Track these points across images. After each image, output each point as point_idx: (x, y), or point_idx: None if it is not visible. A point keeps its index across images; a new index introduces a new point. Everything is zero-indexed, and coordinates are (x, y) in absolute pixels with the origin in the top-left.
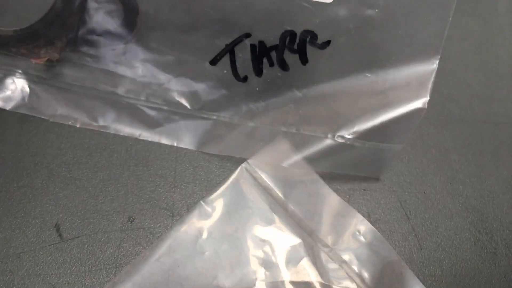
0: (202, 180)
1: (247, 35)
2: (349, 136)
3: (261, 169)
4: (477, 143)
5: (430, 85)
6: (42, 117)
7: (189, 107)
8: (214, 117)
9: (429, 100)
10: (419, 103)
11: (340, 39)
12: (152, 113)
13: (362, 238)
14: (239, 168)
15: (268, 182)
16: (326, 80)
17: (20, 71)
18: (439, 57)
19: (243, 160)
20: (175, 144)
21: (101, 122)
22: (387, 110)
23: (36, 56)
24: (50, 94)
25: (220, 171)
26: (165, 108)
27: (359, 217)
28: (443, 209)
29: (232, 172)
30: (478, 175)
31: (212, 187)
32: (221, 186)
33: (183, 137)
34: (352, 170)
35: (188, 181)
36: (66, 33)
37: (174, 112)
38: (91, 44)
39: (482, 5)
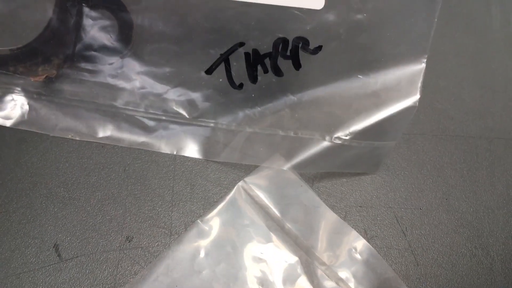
0: (200, 199)
1: (241, 44)
2: (346, 137)
3: (257, 187)
4: (472, 159)
5: (420, 84)
6: (42, 132)
7: (187, 116)
8: (212, 125)
9: (424, 116)
10: (411, 101)
11: (331, 43)
12: (151, 123)
13: (358, 256)
14: (236, 186)
15: (265, 200)
16: (319, 84)
17: (19, 88)
18: (426, 56)
19: (240, 178)
20: (175, 153)
21: (101, 135)
22: (380, 109)
23: (34, 73)
24: (49, 110)
25: (218, 190)
26: (164, 118)
27: (355, 234)
28: (439, 225)
29: (229, 190)
30: (473, 191)
31: (209, 205)
32: (218, 205)
33: (183, 146)
34: (349, 168)
35: (185, 199)
36: (63, 50)
37: (173, 121)
38: (88, 59)
39: (476, 21)
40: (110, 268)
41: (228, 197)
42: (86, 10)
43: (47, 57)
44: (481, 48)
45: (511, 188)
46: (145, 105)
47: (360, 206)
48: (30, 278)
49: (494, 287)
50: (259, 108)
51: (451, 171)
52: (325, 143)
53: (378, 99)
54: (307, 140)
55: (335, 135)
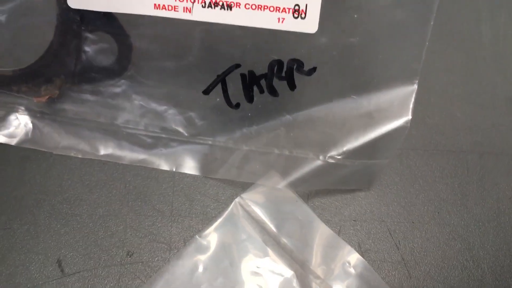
0: (198, 214)
1: (237, 66)
2: (339, 157)
3: (254, 203)
4: (463, 173)
5: (411, 105)
6: (46, 150)
7: (185, 134)
8: (210, 142)
9: (416, 132)
10: (402, 121)
11: (325, 65)
12: (150, 141)
13: (352, 270)
14: (233, 202)
15: (261, 216)
16: (314, 104)
17: (22, 108)
18: (418, 78)
19: (237, 194)
20: (174, 169)
21: (102, 152)
22: (373, 129)
23: (37, 94)
24: (52, 128)
25: (216, 205)
26: (163, 136)
27: (349, 248)
28: (431, 238)
29: (227, 206)
30: (464, 205)
31: (207, 220)
32: (216, 220)
33: (181, 162)
34: (342, 185)
35: (184, 215)
36: (64, 71)
37: (172, 139)
38: (89, 80)
39: (466, 37)
40: (111, 283)
41: (225, 213)
42: (86, 33)
43: (49, 78)
44: (471, 65)
45: (501, 201)
46: (145, 124)
47: (354, 220)
48: None
49: None
50: (255, 127)
51: (443, 185)
52: (319, 162)
53: (371, 119)
54: (302, 159)
55: (329, 154)
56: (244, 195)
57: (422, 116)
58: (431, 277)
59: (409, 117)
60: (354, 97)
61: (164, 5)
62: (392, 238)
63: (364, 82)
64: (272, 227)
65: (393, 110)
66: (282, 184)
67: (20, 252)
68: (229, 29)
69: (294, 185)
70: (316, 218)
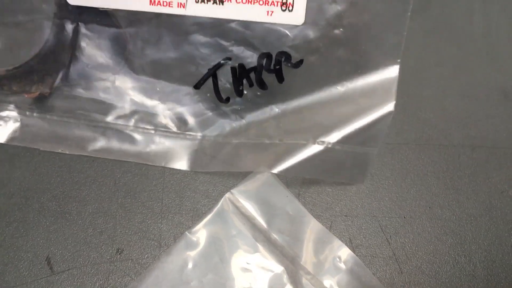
0: (189, 211)
1: (228, 59)
2: (329, 142)
3: (244, 199)
4: (454, 167)
5: (394, 90)
6: (33, 147)
7: (175, 129)
8: (200, 137)
9: (408, 126)
10: (388, 107)
11: (312, 57)
12: (140, 137)
13: (342, 265)
14: (223, 198)
15: (251, 211)
16: (302, 95)
17: (12, 106)
18: (399, 65)
19: (227, 189)
20: (164, 165)
21: (90, 148)
22: (360, 116)
23: (28, 91)
24: (41, 126)
25: (206, 201)
26: (153, 131)
27: (339, 243)
28: (422, 233)
29: (217, 202)
30: (456, 199)
31: (198, 216)
32: (206, 216)
33: (171, 158)
34: (335, 176)
35: (174, 211)
36: (58, 68)
37: (162, 135)
38: (82, 76)
39: (457, 30)
40: (101, 280)
41: (215, 209)
42: (82, 29)
43: (42, 76)
44: (464, 58)
45: (493, 196)
46: (135, 120)
47: (345, 216)
48: None
49: None
50: (244, 121)
51: (435, 179)
52: (309, 147)
53: (357, 106)
54: (292, 145)
55: (319, 140)
56: (234, 191)
57: (414, 110)
58: (422, 272)
59: (394, 101)
60: (339, 87)
61: (159, 1)
62: (384, 233)
63: (349, 72)
64: (262, 222)
65: (377, 96)
66: (275, 170)
67: (9, 250)
68: (219, 23)
69: (286, 172)
70: (307, 213)
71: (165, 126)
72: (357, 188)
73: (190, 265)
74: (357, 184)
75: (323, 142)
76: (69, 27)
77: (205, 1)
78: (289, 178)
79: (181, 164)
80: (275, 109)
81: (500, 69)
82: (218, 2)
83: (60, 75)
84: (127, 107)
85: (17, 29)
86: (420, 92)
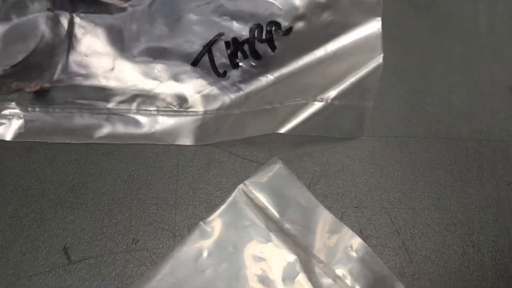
0: (202, 202)
1: (221, 34)
2: (327, 98)
3: (257, 190)
4: (462, 160)
5: (380, 45)
6: (42, 141)
7: (177, 108)
8: (202, 113)
9: (417, 120)
10: (376, 60)
11: (299, 23)
12: (144, 119)
13: (354, 254)
14: (236, 189)
15: (264, 202)
16: (294, 60)
17: (13, 104)
18: (380, 18)
19: (240, 181)
20: (170, 142)
21: (97, 136)
22: (352, 72)
23: (28, 86)
24: (45, 119)
25: (219, 193)
26: (155, 112)
27: (351, 233)
28: (431, 224)
29: (230, 193)
30: (464, 191)
31: (211, 208)
32: (220, 207)
33: (177, 136)
34: (336, 132)
35: (188, 203)
36: (57, 61)
37: (165, 114)
38: (81, 65)
39: (463, 27)
40: (117, 270)
41: (228, 200)
42: (77, 20)
43: (41, 70)
44: (469, 54)
45: (500, 187)
46: (137, 103)
47: (355, 207)
48: (41, 280)
49: (485, 283)
50: (243, 92)
51: (442, 172)
52: (309, 105)
53: (348, 64)
54: (293, 106)
55: (317, 97)
56: (247, 182)
57: (422, 105)
58: (431, 262)
59: (381, 54)
60: (328, 49)
61: None
62: (393, 224)
63: (336, 33)
64: (275, 213)
65: (365, 52)
66: (280, 131)
67: (27, 240)
68: (211, 1)
69: (291, 131)
70: (318, 204)
71: (167, 106)
72: (367, 180)
73: (205, 254)
74: (357, 138)
75: (322, 99)
76: (64, 19)
77: None
78: (300, 170)
79: (187, 140)
80: (271, 76)
81: (505, 66)
82: None
83: (59, 68)
84: (128, 92)
85: (12, 27)
86: (427, 87)
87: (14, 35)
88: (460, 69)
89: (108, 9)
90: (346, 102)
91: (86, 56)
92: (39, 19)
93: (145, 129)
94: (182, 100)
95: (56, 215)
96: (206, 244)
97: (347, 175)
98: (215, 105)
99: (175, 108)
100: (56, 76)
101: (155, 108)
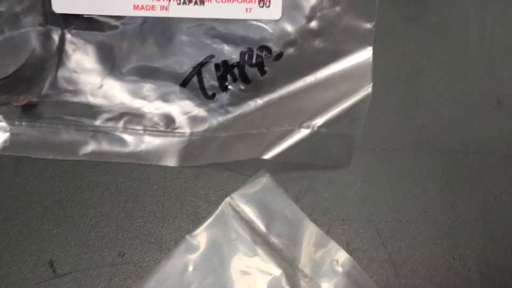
0: (189, 215)
1: (211, 56)
2: (314, 125)
3: (243, 203)
4: (450, 172)
5: (370, 74)
6: (25, 155)
7: (164, 128)
8: (188, 134)
9: (404, 131)
10: (366, 90)
11: (290, 49)
12: (130, 138)
13: (340, 268)
14: (223, 202)
15: (250, 216)
16: (284, 85)
17: (0, 116)
18: (372, 48)
19: (227, 194)
20: (155, 163)
21: (81, 153)
22: (341, 100)
23: (16, 100)
24: (31, 134)
25: (206, 205)
26: (142, 132)
27: (337, 247)
28: (418, 237)
29: (217, 206)
30: (451, 203)
31: (198, 221)
32: (206, 220)
33: (162, 156)
34: (323, 161)
35: (175, 215)
36: (46, 76)
37: (151, 134)
38: (70, 81)
39: (453, 37)
40: (103, 283)
41: (215, 213)
42: (68, 36)
43: (29, 84)
44: (458, 65)
45: (487, 200)
46: (124, 121)
47: (342, 220)
48: None
49: None
50: (231, 115)
51: (430, 184)
52: (296, 132)
53: (337, 91)
54: (279, 132)
55: (304, 124)
56: (234, 195)
57: (409, 116)
58: (418, 275)
59: (371, 84)
60: (318, 75)
61: (142, 5)
62: (380, 237)
63: (326, 60)
64: (261, 226)
65: (355, 81)
66: (265, 156)
67: (13, 253)
68: (201, 22)
69: (276, 157)
70: (305, 217)
71: (154, 126)
72: (354, 193)
73: (190, 268)
74: (344, 168)
75: (308, 126)
76: (55, 35)
77: (187, 2)
78: (287, 184)
79: (172, 161)
80: (259, 101)
81: (494, 77)
82: (199, 2)
83: (47, 83)
84: (115, 110)
85: (3, 40)
86: (415, 98)
87: (5, 48)
88: (449, 80)
89: (100, 26)
90: (333, 130)
91: (75, 72)
92: (30, 34)
93: (130, 148)
94: (169, 120)
95: (42, 228)
96: (192, 258)
97: (335, 188)
98: (202, 127)
99: (161, 128)
100: (44, 91)
101: (141, 128)
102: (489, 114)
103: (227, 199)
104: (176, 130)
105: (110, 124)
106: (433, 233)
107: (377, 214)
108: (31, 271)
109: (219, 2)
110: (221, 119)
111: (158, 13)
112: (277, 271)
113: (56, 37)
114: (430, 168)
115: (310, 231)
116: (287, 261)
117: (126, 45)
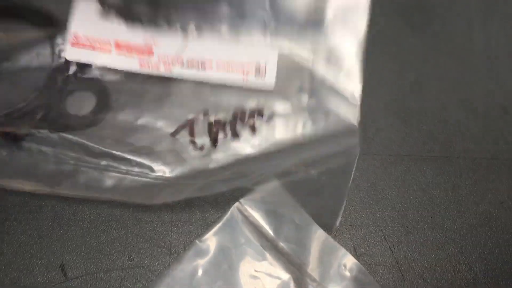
0: (198, 219)
1: (205, 113)
2: (304, 169)
3: (252, 208)
4: (455, 178)
5: (357, 140)
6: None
7: (147, 173)
8: (170, 179)
9: (411, 138)
10: (353, 155)
11: (282, 112)
12: (110, 180)
13: (347, 273)
14: (232, 207)
15: (259, 221)
16: (272, 142)
17: None
18: (358, 122)
19: (236, 199)
20: (129, 200)
21: (56, 189)
22: (328, 158)
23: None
24: (8, 163)
25: (215, 210)
26: (123, 175)
27: (344, 252)
28: (424, 242)
29: (226, 211)
30: (457, 209)
31: (207, 226)
32: (215, 225)
33: (137, 196)
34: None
35: (184, 220)
36: (41, 113)
37: (133, 176)
38: (61, 123)
39: (458, 46)
40: (113, 287)
41: (224, 218)
42: (72, 80)
43: (23, 119)
44: (464, 73)
45: (493, 206)
46: (106, 164)
47: (349, 225)
48: None
49: None
50: (217, 164)
51: (436, 190)
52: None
53: (324, 146)
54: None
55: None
56: (242, 201)
57: (416, 123)
58: (424, 280)
59: (358, 149)
60: (306, 134)
61: (148, 64)
62: (387, 242)
63: (314, 127)
64: (270, 231)
65: (344, 152)
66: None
67: (24, 257)
68: (199, 84)
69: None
70: (313, 222)
71: (136, 169)
72: (361, 199)
73: (200, 273)
74: (330, 229)
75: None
76: (60, 78)
77: (189, 67)
78: (295, 189)
79: (149, 200)
80: (247, 154)
81: (499, 85)
82: (200, 68)
83: (39, 118)
84: (99, 152)
85: (12, 79)
86: (421, 105)
87: (13, 86)
88: (454, 87)
89: (100, 81)
90: (327, 177)
91: (70, 116)
92: (39, 75)
93: (109, 186)
94: (153, 165)
95: (53, 232)
96: (201, 262)
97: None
98: (185, 173)
99: (144, 173)
100: (35, 127)
101: (124, 170)
102: (494, 121)
103: (236, 204)
104: (158, 175)
105: (92, 164)
106: (439, 239)
107: (384, 220)
108: (42, 274)
109: (219, 71)
110: (204, 167)
111: (162, 72)
112: (285, 276)
113: (60, 81)
114: (436, 174)
115: (318, 236)
116: (295, 266)
117: (124, 97)
